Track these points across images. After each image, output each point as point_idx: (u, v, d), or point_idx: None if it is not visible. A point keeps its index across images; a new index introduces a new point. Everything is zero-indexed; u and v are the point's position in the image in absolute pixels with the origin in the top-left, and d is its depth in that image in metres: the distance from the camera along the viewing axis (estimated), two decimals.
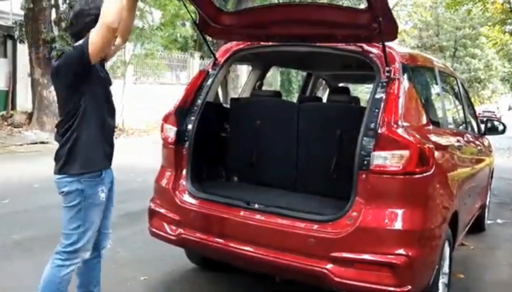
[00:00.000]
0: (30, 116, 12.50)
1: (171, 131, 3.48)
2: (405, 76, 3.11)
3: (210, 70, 3.63)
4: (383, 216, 2.81)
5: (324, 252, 2.84)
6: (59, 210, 2.77)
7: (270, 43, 3.58)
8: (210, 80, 3.57)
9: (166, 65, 18.62)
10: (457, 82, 4.85)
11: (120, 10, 2.42)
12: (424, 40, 38.22)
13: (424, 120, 3.25)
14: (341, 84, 5.92)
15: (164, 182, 3.52)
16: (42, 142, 11.17)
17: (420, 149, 2.81)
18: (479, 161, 4.72)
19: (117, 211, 5.59)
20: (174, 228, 3.36)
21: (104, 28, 2.40)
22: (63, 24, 12.40)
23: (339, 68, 5.06)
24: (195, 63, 20.16)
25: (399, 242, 2.78)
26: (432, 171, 2.88)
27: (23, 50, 12.88)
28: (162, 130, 3.59)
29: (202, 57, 21.12)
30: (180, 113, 3.48)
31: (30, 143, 11.05)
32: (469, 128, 4.94)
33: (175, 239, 3.36)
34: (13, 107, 14.01)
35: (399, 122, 2.89)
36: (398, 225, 2.80)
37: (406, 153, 2.77)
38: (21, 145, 10.83)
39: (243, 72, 16.62)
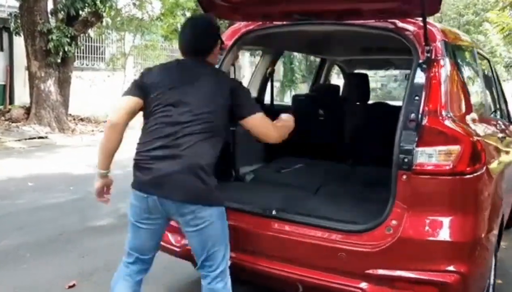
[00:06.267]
0: (28, 110, 12.08)
1: None
2: (447, 56, 2.63)
3: None
4: (429, 225, 2.34)
5: (357, 268, 2.39)
6: (52, 212, 2.38)
7: (285, 23, 3.09)
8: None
9: (167, 56, 18.13)
10: (489, 64, 4.35)
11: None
12: None
13: (467, 108, 2.77)
14: (357, 71, 5.42)
15: None
16: (40, 138, 10.83)
17: (473, 143, 2.34)
18: None
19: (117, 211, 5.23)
20: (178, 238, 2.91)
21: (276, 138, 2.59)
22: (60, 15, 11.96)
23: (360, 51, 4.58)
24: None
25: (449, 256, 2.32)
26: (484, 169, 2.41)
27: (20, 43, 12.42)
28: None
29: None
30: None
31: (28, 139, 10.67)
32: (502, 116, 4.45)
33: (179, 251, 2.91)
34: (11, 101, 13.58)
35: (446, 112, 2.41)
36: (447, 235, 2.33)
37: (456, 148, 2.29)
38: (19, 140, 10.45)
39: (245, 64, 16.10)
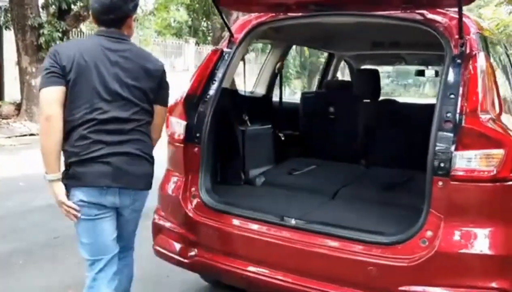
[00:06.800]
0: (18, 107, 11.75)
1: (179, 126, 2.77)
2: (482, 50, 2.41)
3: (225, 49, 2.90)
4: (468, 237, 2.11)
5: (390, 284, 2.16)
6: (44, 215, 2.19)
7: (300, 14, 2.86)
8: (226, 62, 2.85)
9: (160, 52, 17.83)
10: (509, 59, 4.14)
11: None
12: None
13: (500, 107, 2.54)
14: (366, 66, 5.19)
15: (171, 190, 2.82)
16: (31, 135, 10.48)
17: None
18: None
19: None
20: (187, 248, 2.67)
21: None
22: (51, 9, 11.62)
23: (371, 46, 4.35)
24: (190, 50, 19.41)
25: (490, 271, 2.10)
26: None
27: (10, 37, 12.07)
28: (167, 126, 2.88)
29: (197, 43, 20.41)
30: (190, 103, 2.76)
31: (19, 136, 10.37)
32: None
33: (188, 262, 2.67)
34: (1, 98, 13.26)
35: (485, 112, 2.19)
36: (488, 248, 2.10)
37: (500, 152, 2.07)
38: (9, 137, 10.16)
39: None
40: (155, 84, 2.37)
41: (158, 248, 2.86)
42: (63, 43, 2.44)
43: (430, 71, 5.57)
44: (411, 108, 4.29)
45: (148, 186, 2.36)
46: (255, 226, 2.51)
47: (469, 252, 2.10)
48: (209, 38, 20.70)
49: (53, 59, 2.19)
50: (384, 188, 3.11)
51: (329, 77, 5.02)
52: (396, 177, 3.31)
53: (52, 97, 2.16)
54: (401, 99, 4.74)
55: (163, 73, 2.43)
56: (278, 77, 3.93)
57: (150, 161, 2.35)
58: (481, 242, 2.11)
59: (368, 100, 4.02)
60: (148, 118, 2.36)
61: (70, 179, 2.22)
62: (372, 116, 3.92)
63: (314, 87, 19.82)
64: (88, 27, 14.49)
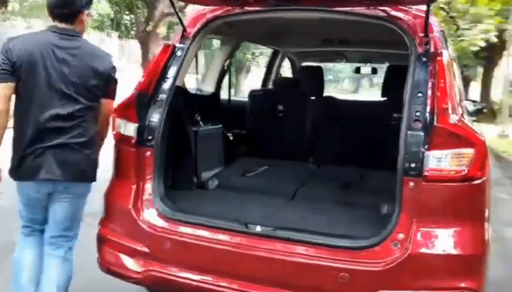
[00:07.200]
0: None
1: (129, 128, 2.52)
2: (446, 49, 2.40)
3: (177, 44, 2.69)
4: (440, 237, 2.08)
5: (364, 291, 2.08)
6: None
7: (258, 9, 2.71)
8: (179, 58, 2.64)
9: None
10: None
11: None
12: None
13: (462, 106, 2.57)
14: (308, 63, 5.15)
15: (119, 198, 2.57)
16: None
17: (485, 146, 2.11)
18: None
19: None
20: (139, 262, 2.44)
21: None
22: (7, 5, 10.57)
23: (321, 43, 4.30)
24: (113, 44, 18.60)
25: (462, 272, 2.08)
26: (487, 174, 2.21)
27: None
28: (113, 127, 2.62)
29: (120, 37, 19.58)
30: (141, 104, 2.53)
31: None
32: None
33: (141, 277, 2.44)
34: None
35: (453, 111, 2.17)
36: (461, 248, 2.08)
37: (470, 151, 2.05)
38: None
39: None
40: (102, 82, 2.42)
41: (104, 262, 2.61)
42: (17, 37, 2.41)
43: (366, 68, 5.65)
44: (352, 106, 4.31)
45: (81, 179, 2.42)
46: (217, 235, 2.33)
47: (443, 253, 2.07)
48: (132, 32, 19.96)
49: (5, 55, 2.27)
50: (341, 186, 3.06)
51: (273, 74, 4.92)
52: (349, 175, 3.28)
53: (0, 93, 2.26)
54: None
55: (111, 70, 2.48)
56: (228, 74, 3.76)
57: (90, 155, 2.42)
58: (454, 242, 2.08)
59: (314, 98, 3.98)
60: (93, 114, 2.42)
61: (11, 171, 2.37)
62: (318, 114, 3.88)
63: (241, 84, 19.83)
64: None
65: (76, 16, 2.38)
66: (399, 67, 4.28)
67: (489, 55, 16.60)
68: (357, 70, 5.56)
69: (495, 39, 15.15)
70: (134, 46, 19.30)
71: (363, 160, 3.51)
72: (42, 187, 2.37)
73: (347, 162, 3.53)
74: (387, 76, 3.99)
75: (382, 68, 5.24)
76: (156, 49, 12.62)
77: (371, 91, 38.44)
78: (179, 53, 2.65)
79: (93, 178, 2.48)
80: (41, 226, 2.55)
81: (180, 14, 2.74)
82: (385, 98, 4.01)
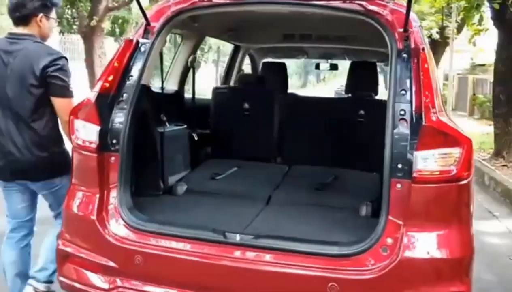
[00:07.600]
0: None
1: (90, 131, 2.29)
2: (425, 44, 2.34)
3: (141, 39, 2.47)
4: (430, 241, 2.01)
5: None
6: None
7: (228, 2, 2.54)
8: (143, 54, 2.43)
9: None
10: None
11: None
12: None
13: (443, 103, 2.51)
14: (269, 60, 5.00)
15: (81, 209, 2.34)
16: None
17: (472, 145, 2.05)
18: None
19: None
20: (106, 278, 2.23)
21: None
22: None
23: (282, 38, 4.17)
24: (54, 39, 17.73)
25: (454, 275, 2.02)
26: (472, 174, 2.16)
27: None
28: (72, 131, 2.38)
29: (61, 32, 18.77)
30: (103, 104, 2.30)
31: None
32: None
33: None
34: None
35: (439, 108, 2.10)
36: (451, 252, 2.00)
37: (458, 151, 1.99)
38: None
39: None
40: (43, 81, 2.45)
41: (64, 279, 2.38)
42: None
43: (325, 65, 5.60)
44: (316, 103, 4.23)
45: (35, 178, 2.59)
46: (194, 247, 2.15)
47: (434, 257, 1.99)
48: (74, 27, 19.18)
49: None
50: (315, 188, 2.95)
51: (235, 71, 4.76)
52: (321, 175, 3.18)
53: None
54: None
55: (54, 67, 2.46)
56: (192, 71, 3.56)
57: (42, 154, 2.52)
58: (444, 246, 2.01)
59: (279, 95, 3.87)
60: (41, 114, 2.50)
61: None
62: (284, 112, 3.76)
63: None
64: None
65: (28, 19, 2.47)
66: (363, 63, 4.25)
67: (433, 52, 17.14)
68: (317, 67, 5.49)
69: (437, 36, 15.73)
70: (76, 41, 18.51)
71: (334, 159, 3.43)
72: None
73: (317, 161, 3.43)
74: (351, 72, 3.93)
75: (343, 64, 5.21)
76: (99, 45, 12.14)
77: (317, 87, 39.21)
78: (142, 49, 2.44)
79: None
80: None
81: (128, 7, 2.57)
82: (349, 95, 3.95)
